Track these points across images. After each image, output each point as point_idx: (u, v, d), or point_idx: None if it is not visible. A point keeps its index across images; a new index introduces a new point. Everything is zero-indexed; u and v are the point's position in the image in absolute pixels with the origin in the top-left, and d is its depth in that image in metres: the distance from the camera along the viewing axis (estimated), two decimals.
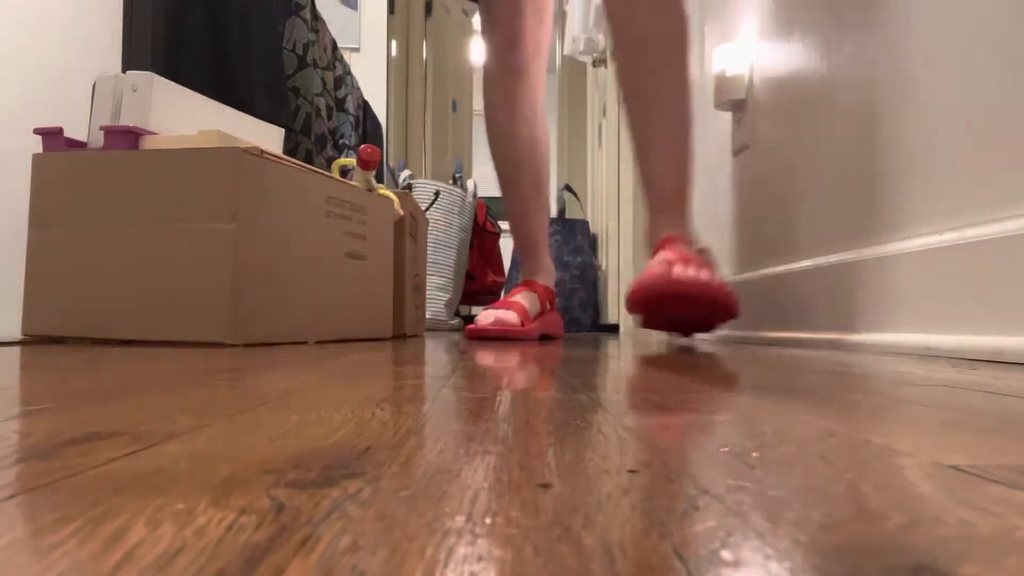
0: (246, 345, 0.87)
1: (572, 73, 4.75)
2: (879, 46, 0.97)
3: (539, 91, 1.37)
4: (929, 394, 0.37)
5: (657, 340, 1.42)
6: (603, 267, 3.29)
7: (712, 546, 0.12)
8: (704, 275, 0.87)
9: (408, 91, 4.11)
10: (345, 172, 1.34)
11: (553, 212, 3.13)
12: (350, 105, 2.12)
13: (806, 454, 0.20)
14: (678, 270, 0.87)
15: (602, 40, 3.11)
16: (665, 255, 0.93)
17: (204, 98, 1.11)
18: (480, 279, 2.64)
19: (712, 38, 1.72)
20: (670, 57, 1.02)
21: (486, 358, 0.68)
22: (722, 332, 1.48)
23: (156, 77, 1.03)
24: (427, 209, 2.51)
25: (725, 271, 1.55)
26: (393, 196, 1.33)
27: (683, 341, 1.29)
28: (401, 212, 1.36)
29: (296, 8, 1.81)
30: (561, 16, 4.06)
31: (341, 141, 2.02)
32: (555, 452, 0.20)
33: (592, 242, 3.25)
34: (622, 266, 2.61)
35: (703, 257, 0.97)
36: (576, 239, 3.01)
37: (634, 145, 1.06)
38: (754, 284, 1.33)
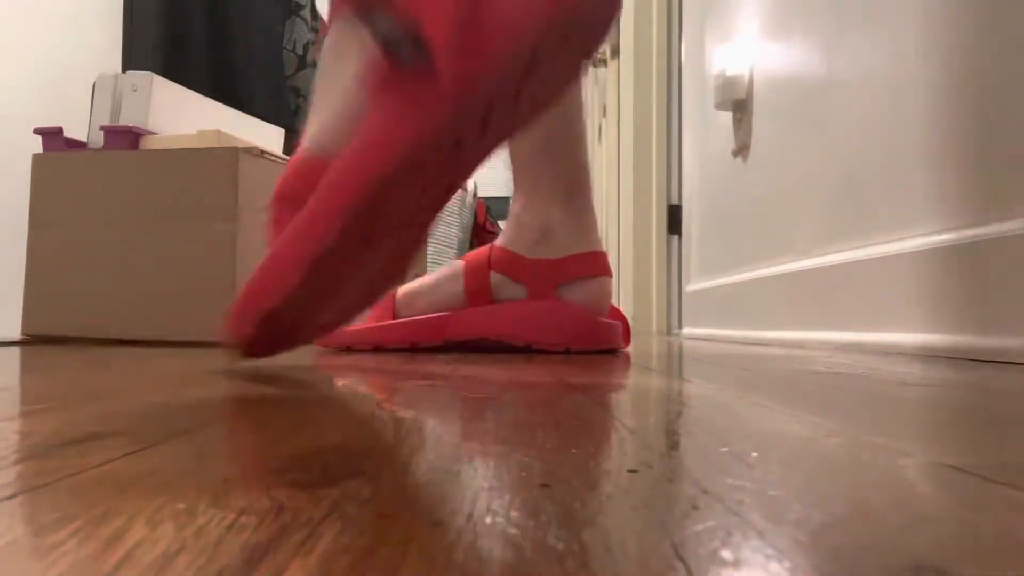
0: None
1: None
2: (879, 45, 0.97)
3: None
4: (929, 394, 0.37)
5: (658, 339, 1.42)
6: None
7: (712, 546, 0.12)
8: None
9: None
10: None
11: None
12: None
13: (806, 454, 0.20)
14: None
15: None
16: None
17: (204, 98, 1.11)
18: None
19: (712, 38, 1.72)
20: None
21: (487, 359, 0.68)
22: (719, 331, 1.48)
23: (156, 77, 1.03)
24: None
25: (726, 271, 1.55)
26: None
27: (688, 345, 1.28)
28: None
29: (296, 8, 1.81)
30: None
31: None
32: (555, 452, 0.20)
33: None
34: (622, 266, 2.61)
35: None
36: None
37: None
38: (753, 284, 1.33)
